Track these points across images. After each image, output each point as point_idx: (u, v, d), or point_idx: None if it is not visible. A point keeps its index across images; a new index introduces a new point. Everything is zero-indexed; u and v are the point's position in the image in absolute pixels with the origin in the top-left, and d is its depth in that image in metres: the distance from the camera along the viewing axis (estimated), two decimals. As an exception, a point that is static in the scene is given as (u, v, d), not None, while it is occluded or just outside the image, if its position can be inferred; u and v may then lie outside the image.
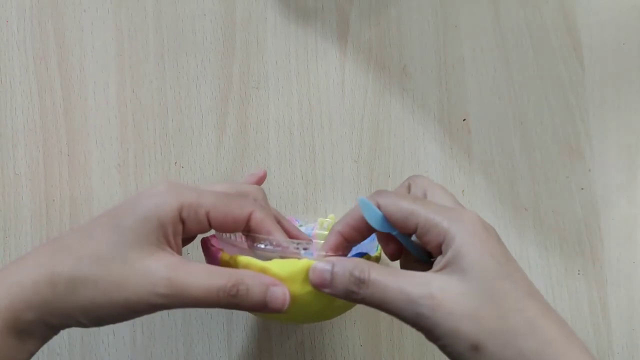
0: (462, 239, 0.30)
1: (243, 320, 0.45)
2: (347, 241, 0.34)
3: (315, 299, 0.33)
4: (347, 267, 0.31)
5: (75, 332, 0.43)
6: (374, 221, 0.32)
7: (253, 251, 0.34)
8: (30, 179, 0.44)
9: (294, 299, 0.32)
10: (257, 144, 0.46)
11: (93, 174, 0.45)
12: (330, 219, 0.44)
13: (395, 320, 0.45)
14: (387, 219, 0.32)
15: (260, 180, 0.43)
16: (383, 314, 0.45)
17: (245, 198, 0.35)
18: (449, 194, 0.34)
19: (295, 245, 0.34)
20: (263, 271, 0.32)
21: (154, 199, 0.31)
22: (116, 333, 0.44)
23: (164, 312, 0.44)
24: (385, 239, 0.35)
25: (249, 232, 0.34)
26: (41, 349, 0.31)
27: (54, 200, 0.44)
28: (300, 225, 0.44)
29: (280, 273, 0.32)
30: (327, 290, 0.32)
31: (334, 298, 0.33)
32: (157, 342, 0.44)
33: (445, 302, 0.29)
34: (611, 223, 0.48)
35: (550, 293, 0.47)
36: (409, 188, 0.35)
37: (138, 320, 0.44)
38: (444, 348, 0.30)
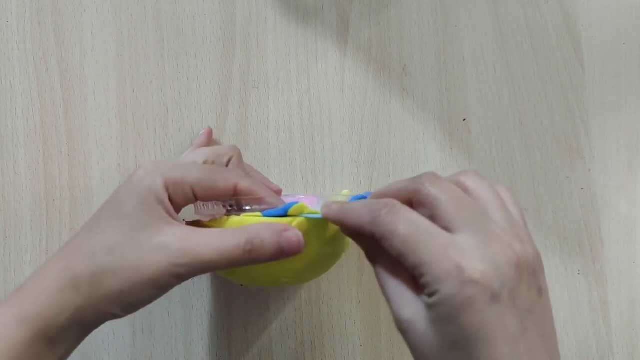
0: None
1: (243, 319, 0.45)
2: None
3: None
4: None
5: (75, 332, 0.43)
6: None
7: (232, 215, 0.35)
8: (30, 179, 0.44)
9: None
10: (257, 144, 0.46)
11: (93, 174, 0.45)
12: (343, 195, 0.44)
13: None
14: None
15: (209, 136, 0.44)
16: (383, 314, 0.46)
17: (229, 170, 0.36)
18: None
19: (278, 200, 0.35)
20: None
21: (145, 180, 0.32)
22: (116, 333, 0.44)
23: (164, 312, 0.44)
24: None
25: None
26: (41, 349, 0.31)
27: (54, 200, 0.44)
28: None
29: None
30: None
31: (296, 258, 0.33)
32: (157, 342, 0.44)
33: None
34: (611, 223, 0.48)
35: (551, 293, 0.46)
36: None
37: (138, 320, 0.44)
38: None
